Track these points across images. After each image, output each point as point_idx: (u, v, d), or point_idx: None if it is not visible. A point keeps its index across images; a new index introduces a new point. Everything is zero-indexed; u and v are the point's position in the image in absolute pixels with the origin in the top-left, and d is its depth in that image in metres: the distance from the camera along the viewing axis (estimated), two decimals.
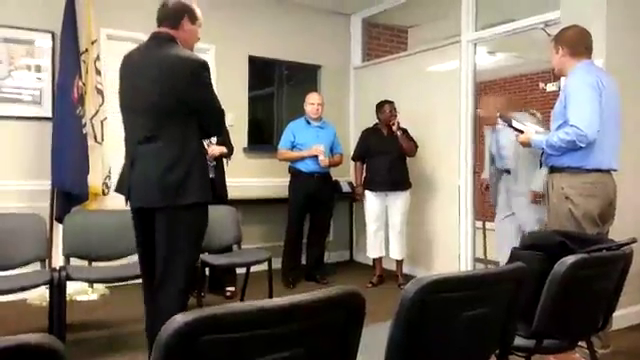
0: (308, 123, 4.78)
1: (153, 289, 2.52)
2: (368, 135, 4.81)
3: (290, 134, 4.75)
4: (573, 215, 2.66)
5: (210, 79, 2.45)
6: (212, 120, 2.51)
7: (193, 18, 2.52)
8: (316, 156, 4.63)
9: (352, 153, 4.98)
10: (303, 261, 4.90)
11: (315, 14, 5.68)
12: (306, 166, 4.68)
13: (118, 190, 2.65)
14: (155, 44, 2.46)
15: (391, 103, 4.67)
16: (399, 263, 4.76)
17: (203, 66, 2.40)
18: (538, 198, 3.81)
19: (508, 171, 3.89)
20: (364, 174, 4.83)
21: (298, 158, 4.68)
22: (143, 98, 2.40)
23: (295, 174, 4.74)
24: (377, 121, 4.76)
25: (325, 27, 5.78)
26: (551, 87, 4.91)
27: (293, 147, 4.73)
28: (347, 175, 5.68)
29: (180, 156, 2.36)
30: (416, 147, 4.67)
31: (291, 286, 4.60)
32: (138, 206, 2.48)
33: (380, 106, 4.71)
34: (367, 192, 4.76)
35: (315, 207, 4.77)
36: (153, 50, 2.44)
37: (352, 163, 5.23)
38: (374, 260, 4.86)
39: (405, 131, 4.62)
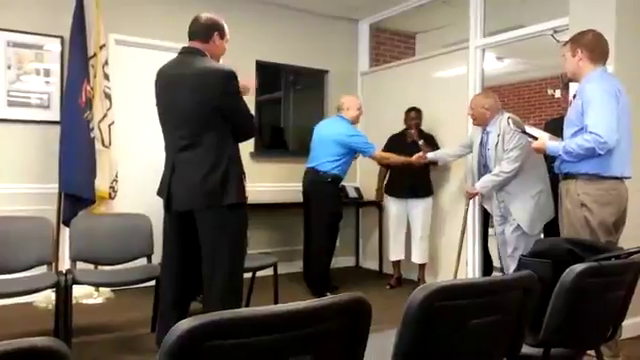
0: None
1: (186, 294, 2.75)
2: (393, 141, 4.85)
3: None
4: (589, 223, 2.63)
5: (238, 87, 2.62)
6: (242, 125, 2.69)
7: (223, 34, 2.74)
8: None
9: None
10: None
11: (322, 19, 5.69)
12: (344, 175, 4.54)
13: (159, 194, 2.79)
14: (187, 58, 2.66)
15: (416, 110, 4.74)
16: (421, 267, 4.80)
17: (231, 75, 2.59)
18: (470, 197, 4.12)
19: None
20: (386, 179, 4.93)
21: (393, 163, 4.56)
22: (181, 109, 2.60)
23: (336, 184, 4.47)
24: (405, 126, 4.80)
25: (332, 32, 5.79)
26: (557, 94, 4.89)
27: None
28: (354, 180, 5.67)
29: (218, 161, 2.56)
30: None
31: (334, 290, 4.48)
32: (182, 210, 2.64)
33: (406, 112, 4.79)
34: (389, 197, 4.89)
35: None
36: (186, 63, 2.63)
37: (359, 168, 5.25)
38: (393, 263, 4.94)
39: (429, 138, 4.68)
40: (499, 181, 3.75)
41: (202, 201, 2.57)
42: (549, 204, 3.73)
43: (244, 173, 2.73)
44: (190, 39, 2.72)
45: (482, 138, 3.98)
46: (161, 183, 2.78)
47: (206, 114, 2.56)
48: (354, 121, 4.56)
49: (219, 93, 2.55)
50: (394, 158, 4.51)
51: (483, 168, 4.00)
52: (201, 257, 2.65)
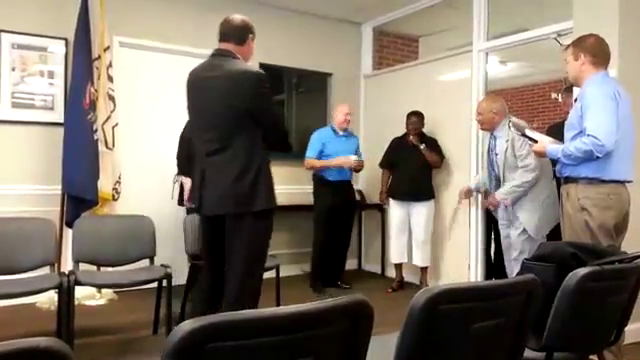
0: (335, 132, 4.83)
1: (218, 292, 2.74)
2: (395, 144, 4.92)
3: (319, 144, 4.74)
4: (589, 226, 2.63)
5: (269, 90, 2.60)
6: (272, 128, 2.65)
7: (254, 36, 2.73)
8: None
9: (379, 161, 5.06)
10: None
11: (326, 22, 5.70)
12: (332, 175, 4.73)
13: (193, 201, 2.80)
14: (219, 60, 2.63)
15: (417, 114, 4.78)
16: (423, 270, 4.81)
17: (263, 77, 2.56)
18: (492, 207, 3.87)
19: (498, 179, 3.87)
20: (389, 182, 4.98)
21: (326, 167, 4.70)
22: (211, 112, 2.57)
23: (320, 182, 4.78)
24: (406, 130, 4.85)
25: (336, 35, 5.80)
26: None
27: (320, 157, 4.75)
28: (357, 183, 5.67)
29: (247, 166, 2.53)
30: (442, 158, 4.76)
31: (322, 290, 4.69)
32: (211, 214, 2.63)
33: (407, 116, 4.82)
34: (391, 200, 4.92)
35: (339, 214, 4.82)
36: (217, 66, 2.60)
37: (362, 171, 5.26)
38: (395, 266, 4.96)
39: (432, 141, 4.74)
40: (521, 192, 3.70)
41: (231, 207, 2.54)
42: (555, 209, 3.72)
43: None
44: (221, 40, 2.67)
45: (489, 143, 3.95)
46: (192, 189, 2.81)
47: (237, 117, 2.52)
48: (340, 125, 4.79)
49: (250, 95, 2.50)
50: (319, 162, 4.72)
51: (493, 175, 3.98)
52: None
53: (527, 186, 3.69)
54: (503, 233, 3.93)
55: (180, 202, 4.15)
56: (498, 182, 3.90)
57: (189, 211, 4.03)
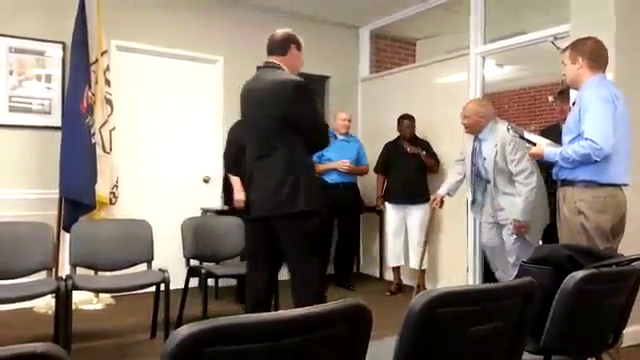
0: (334, 137, 4.93)
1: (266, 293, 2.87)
2: (389, 148, 4.96)
3: None
4: (585, 229, 2.63)
5: (306, 96, 2.71)
6: (312, 135, 2.74)
7: (299, 46, 2.90)
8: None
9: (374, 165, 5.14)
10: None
11: (324, 26, 5.71)
12: (331, 178, 4.84)
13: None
14: (264, 72, 2.80)
15: (409, 118, 4.81)
16: (422, 274, 4.77)
17: (298, 85, 2.67)
18: (524, 229, 3.67)
19: (488, 181, 3.85)
20: (385, 186, 5.03)
21: (325, 170, 4.82)
22: (255, 121, 2.75)
23: (321, 186, 4.82)
24: (399, 134, 4.88)
25: (333, 39, 5.81)
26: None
27: (320, 160, 4.84)
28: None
29: (287, 171, 2.64)
30: (437, 163, 4.78)
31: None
32: (258, 215, 2.77)
33: (399, 120, 4.85)
34: (387, 204, 4.95)
35: (341, 216, 4.99)
36: (261, 77, 2.78)
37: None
38: (393, 269, 4.99)
39: (426, 145, 4.77)
40: (533, 200, 3.65)
41: (275, 209, 2.67)
42: (543, 209, 3.73)
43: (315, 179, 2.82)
44: (268, 54, 2.84)
45: (474, 146, 3.90)
46: (245, 192, 2.97)
47: (275, 124, 2.65)
48: (337, 130, 5.00)
49: (285, 102, 2.62)
50: (319, 167, 4.73)
51: (476, 177, 3.95)
52: (278, 259, 2.80)
53: (534, 192, 3.64)
54: (487, 235, 3.92)
55: (227, 201, 4.13)
56: (485, 186, 3.89)
57: (232, 212, 4.04)
